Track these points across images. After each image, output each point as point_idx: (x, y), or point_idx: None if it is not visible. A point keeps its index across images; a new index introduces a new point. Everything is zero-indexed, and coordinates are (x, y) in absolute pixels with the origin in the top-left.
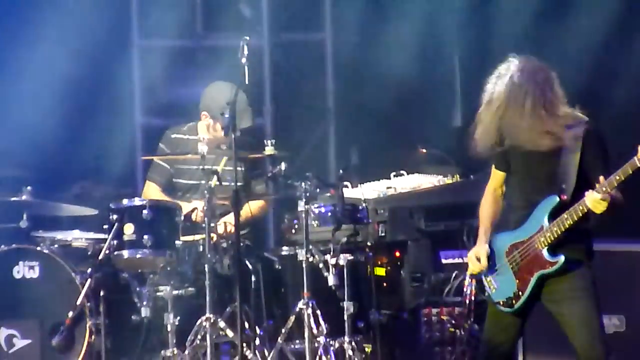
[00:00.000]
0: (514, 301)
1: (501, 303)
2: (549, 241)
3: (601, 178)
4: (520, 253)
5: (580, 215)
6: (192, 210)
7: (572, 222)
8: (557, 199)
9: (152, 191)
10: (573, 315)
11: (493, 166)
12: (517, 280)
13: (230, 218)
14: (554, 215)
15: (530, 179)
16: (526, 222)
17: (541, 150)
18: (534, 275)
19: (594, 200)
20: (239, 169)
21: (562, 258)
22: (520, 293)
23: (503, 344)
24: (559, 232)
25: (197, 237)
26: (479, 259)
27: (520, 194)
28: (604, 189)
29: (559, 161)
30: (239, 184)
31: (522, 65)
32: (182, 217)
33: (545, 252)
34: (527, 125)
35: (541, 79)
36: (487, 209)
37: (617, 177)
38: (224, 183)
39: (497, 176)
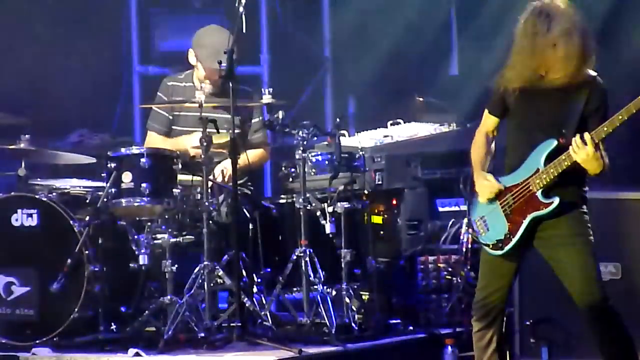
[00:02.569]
0: (503, 244)
1: (490, 246)
2: (544, 183)
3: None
4: (514, 196)
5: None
6: (192, 158)
7: (569, 163)
8: (555, 142)
9: (154, 140)
10: (569, 260)
11: (486, 111)
12: (509, 223)
13: (228, 164)
14: (550, 158)
15: (530, 123)
16: (522, 165)
17: (556, 93)
18: (527, 218)
19: (576, 144)
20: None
21: (556, 199)
22: (510, 236)
23: (497, 289)
24: (555, 174)
25: (195, 178)
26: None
27: (518, 138)
28: (593, 136)
29: (561, 107)
30: (236, 131)
31: (564, 6)
32: (180, 164)
33: (539, 194)
34: (575, 55)
35: (566, 19)
36: (479, 150)
37: (605, 128)
38: (221, 131)
39: (489, 121)
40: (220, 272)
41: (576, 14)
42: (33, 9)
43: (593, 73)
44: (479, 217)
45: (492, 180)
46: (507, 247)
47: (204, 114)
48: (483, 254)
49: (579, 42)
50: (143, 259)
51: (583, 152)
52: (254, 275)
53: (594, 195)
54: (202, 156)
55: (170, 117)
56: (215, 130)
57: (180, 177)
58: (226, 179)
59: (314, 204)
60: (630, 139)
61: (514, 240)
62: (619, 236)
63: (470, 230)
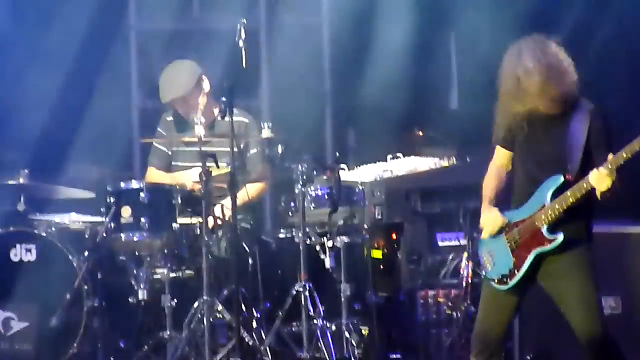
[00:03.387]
0: (508, 279)
1: (496, 281)
2: (550, 219)
3: (610, 155)
4: (520, 231)
5: (583, 192)
6: (191, 191)
7: (574, 200)
8: (562, 178)
9: (154, 175)
10: (571, 293)
11: (498, 145)
12: (514, 258)
13: (227, 202)
14: (557, 194)
15: (535, 158)
16: (528, 201)
17: (550, 115)
18: (532, 253)
19: (599, 175)
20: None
21: (560, 236)
22: (515, 271)
23: (497, 324)
24: (561, 210)
25: (195, 219)
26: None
27: (524, 173)
28: (610, 165)
29: (564, 141)
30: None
31: (534, 44)
32: (179, 199)
33: (544, 230)
34: (539, 92)
35: (557, 56)
36: (490, 183)
37: (624, 154)
38: (220, 164)
39: (501, 154)
40: (220, 307)
41: (547, 49)
42: (32, 46)
43: (590, 104)
44: (487, 251)
45: (497, 215)
46: (511, 282)
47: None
48: (485, 287)
49: (541, 78)
50: (142, 294)
51: (604, 183)
52: (254, 309)
53: (595, 229)
54: (202, 191)
55: (170, 153)
56: (214, 165)
57: (180, 219)
58: (226, 218)
59: (313, 238)
60: (629, 173)
61: (519, 275)
62: (619, 270)
63: (471, 263)
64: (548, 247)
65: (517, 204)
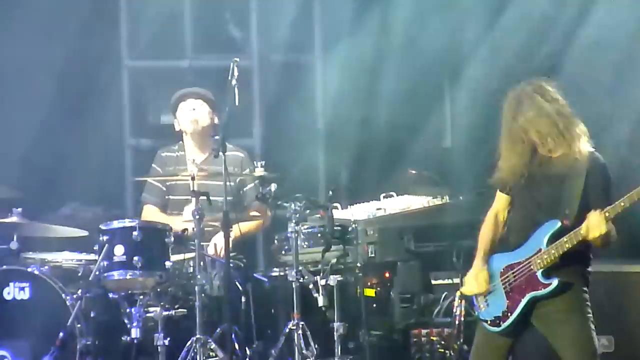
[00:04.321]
0: (501, 321)
1: (488, 322)
2: (545, 263)
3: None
4: (515, 274)
5: (580, 239)
6: (184, 231)
7: (570, 246)
8: (559, 223)
9: (150, 213)
10: (565, 337)
11: (498, 190)
12: (508, 301)
13: (220, 238)
14: (553, 239)
15: (534, 200)
16: (525, 243)
17: (551, 159)
18: (526, 297)
19: (593, 221)
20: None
21: (555, 281)
22: (509, 313)
23: None
24: (557, 255)
25: (187, 255)
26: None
27: (522, 215)
28: (607, 213)
29: (563, 187)
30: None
31: (532, 91)
32: (172, 238)
33: (539, 274)
34: (537, 138)
35: (555, 104)
36: (486, 233)
37: (622, 204)
38: (212, 199)
39: (500, 200)
40: (213, 346)
41: (546, 95)
42: (24, 83)
43: (590, 149)
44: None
45: (484, 277)
46: (504, 325)
47: (197, 183)
48: (479, 327)
49: (539, 126)
50: (135, 332)
51: (597, 231)
52: (247, 348)
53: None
54: (195, 229)
55: (164, 188)
56: (207, 202)
57: (173, 257)
58: (219, 254)
59: (306, 277)
60: (625, 213)
61: (512, 318)
62: (611, 309)
63: (464, 302)
64: (542, 291)
65: (514, 245)
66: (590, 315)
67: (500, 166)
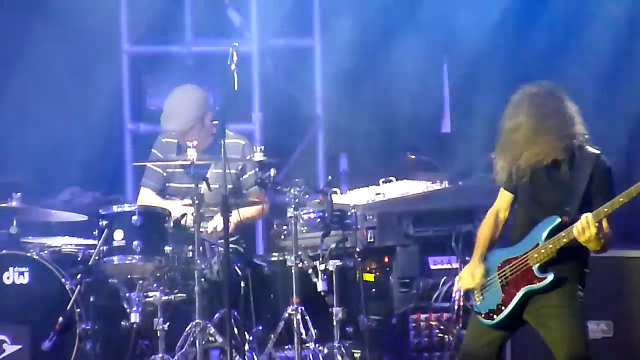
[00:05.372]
0: (495, 315)
1: (482, 315)
2: (542, 258)
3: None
4: (512, 268)
5: (572, 237)
6: (183, 215)
7: (567, 241)
8: (558, 219)
9: (147, 196)
10: (556, 331)
11: (501, 188)
12: (503, 294)
13: (220, 220)
14: (552, 235)
15: (537, 201)
16: (523, 239)
17: (555, 161)
18: (521, 290)
19: (584, 221)
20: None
21: (551, 275)
22: (503, 307)
23: (481, 356)
24: (554, 250)
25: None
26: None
27: (524, 214)
28: (596, 215)
29: (566, 187)
30: (228, 187)
31: (536, 92)
32: (172, 223)
33: (535, 268)
34: (542, 141)
35: (554, 106)
36: (486, 231)
37: (606, 209)
38: (212, 186)
39: (503, 197)
40: (212, 330)
41: (547, 100)
42: (23, 68)
43: (596, 151)
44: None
45: (479, 272)
46: (498, 318)
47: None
48: (472, 322)
49: (534, 133)
50: (134, 317)
51: (587, 233)
52: (246, 333)
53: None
54: (194, 214)
55: (165, 174)
56: (207, 188)
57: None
58: (216, 233)
59: (305, 262)
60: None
61: (506, 311)
62: (610, 293)
63: (462, 294)
64: (537, 285)
65: (514, 241)
66: (582, 311)
67: (504, 165)
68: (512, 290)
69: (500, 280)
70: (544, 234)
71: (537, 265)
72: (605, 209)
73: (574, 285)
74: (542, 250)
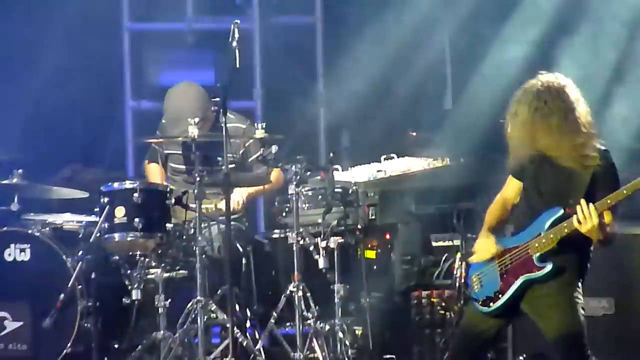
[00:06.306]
0: (492, 302)
1: (480, 302)
2: (543, 247)
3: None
4: (512, 257)
5: (573, 227)
6: (184, 192)
7: (569, 231)
8: (562, 210)
9: (154, 171)
10: (551, 320)
11: (510, 175)
12: (501, 282)
13: (239, 196)
14: (554, 225)
15: (540, 191)
16: (526, 229)
17: (565, 165)
18: (519, 279)
19: (586, 211)
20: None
21: (550, 265)
22: (500, 295)
23: (475, 344)
24: (555, 240)
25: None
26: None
27: (527, 204)
28: (597, 206)
29: (570, 180)
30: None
31: (548, 83)
32: (173, 200)
33: (535, 257)
34: (555, 140)
35: (566, 98)
36: (494, 212)
37: (609, 201)
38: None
39: (511, 185)
40: (214, 307)
41: (561, 90)
42: (24, 46)
43: (601, 147)
44: (476, 274)
45: (492, 243)
46: (494, 306)
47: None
48: (469, 310)
49: (557, 118)
50: (136, 294)
51: (589, 223)
52: (247, 310)
53: None
54: (195, 191)
55: (165, 155)
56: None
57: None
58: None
59: (307, 239)
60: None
61: (503, 299)
62: (611, 271)
63: (464, 264)
64: (536, 274)
65: (515, 232)
66: (580, 302)
67: (514, 154)
68: (511, 279)
69: (499, 268)
70: (547, 224)
71: (537, 254)
72: (609, 200)
73: (572, 276)
74: (543, 240)
